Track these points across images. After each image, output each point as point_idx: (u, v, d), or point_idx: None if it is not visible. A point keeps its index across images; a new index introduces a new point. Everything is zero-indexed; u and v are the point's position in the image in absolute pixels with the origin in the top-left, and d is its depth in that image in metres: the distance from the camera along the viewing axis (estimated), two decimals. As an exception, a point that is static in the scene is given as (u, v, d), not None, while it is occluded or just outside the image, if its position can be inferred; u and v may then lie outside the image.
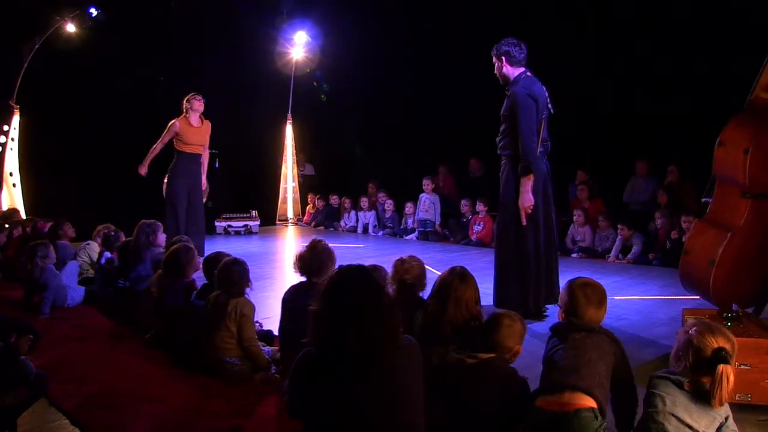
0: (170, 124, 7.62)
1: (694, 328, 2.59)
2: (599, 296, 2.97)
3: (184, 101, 7.79)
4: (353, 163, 13.76)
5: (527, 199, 5.16)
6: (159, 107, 10.18)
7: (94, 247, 6.96)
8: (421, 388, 2.41)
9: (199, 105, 7.75)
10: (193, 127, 7.65)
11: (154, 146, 7.78)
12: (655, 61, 8.96)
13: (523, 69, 5.33)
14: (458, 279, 3.29)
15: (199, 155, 7.90)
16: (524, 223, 5.21)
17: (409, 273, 3.82)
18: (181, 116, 7.72)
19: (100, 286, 6.18)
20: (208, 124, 7.94)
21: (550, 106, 5.36)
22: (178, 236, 5.77)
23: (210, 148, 8.33)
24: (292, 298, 3.97)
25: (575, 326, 2.86)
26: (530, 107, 5.12)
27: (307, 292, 3.75)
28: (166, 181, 7.81)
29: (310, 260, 3.99)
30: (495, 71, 5.45)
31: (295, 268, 4.06)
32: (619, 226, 8.84)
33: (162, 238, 5.85)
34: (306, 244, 4.09)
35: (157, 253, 5.57)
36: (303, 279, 4.05)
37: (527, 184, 5.15)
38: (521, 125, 5.11)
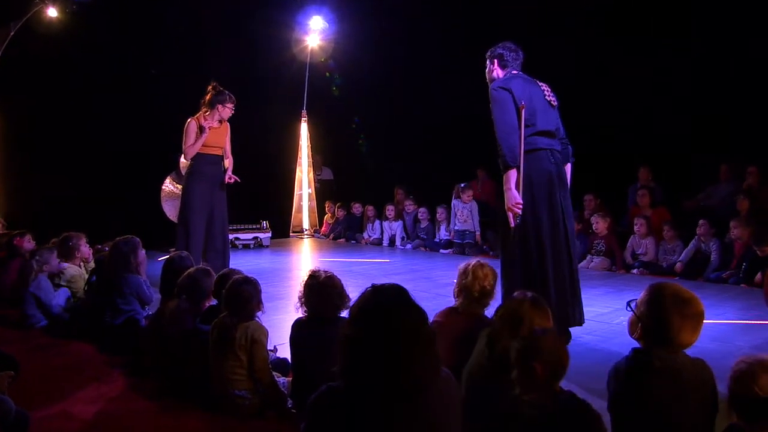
0: (188, 123, 7.52)
1: (734, 369, 2.43)
2: (698, 314, 2.65)
3: (207, 97, 7.65)
4: (366, 161, 13.73)
5: (511, 197, 5.16)
6: (151, 103, 10.23)
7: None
8: (459, 429, 2.38)
9: (228, 112, 7.69)
10: (212, 127, 7.62)
11: (186, 155, 7.59)
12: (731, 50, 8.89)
13: (509, 69, 5.57)
14: (531, 306, 3.10)
15: (219, 156, 7.83)
16: (512, 225, 5.21)
17: (487, 280, 3.81)
18: (199, 114, 7.64)
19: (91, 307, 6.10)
20: (226, 126, 7.89)
21: (550, 98, 5.51)
22: (178, 252, 5.67)
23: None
24: (298, 338, 4.01)
25: (664, 363, 2.58)
26: (502, 100, 5.28)
27: (311, 328, 3.89)
28: (181, 187, 7.68)
29: (310, 295, 3.95)
30: (486, 73, 5.72)
31: (297, 306, 4.04)
32: (700, 221, 8.63)
33: (142, 254, 5.81)
34: (306, 278, 4.05)
35: (136, 282, 5.62)
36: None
37: (510, 181, 5.17)
38: (495, 119, 5.29)
